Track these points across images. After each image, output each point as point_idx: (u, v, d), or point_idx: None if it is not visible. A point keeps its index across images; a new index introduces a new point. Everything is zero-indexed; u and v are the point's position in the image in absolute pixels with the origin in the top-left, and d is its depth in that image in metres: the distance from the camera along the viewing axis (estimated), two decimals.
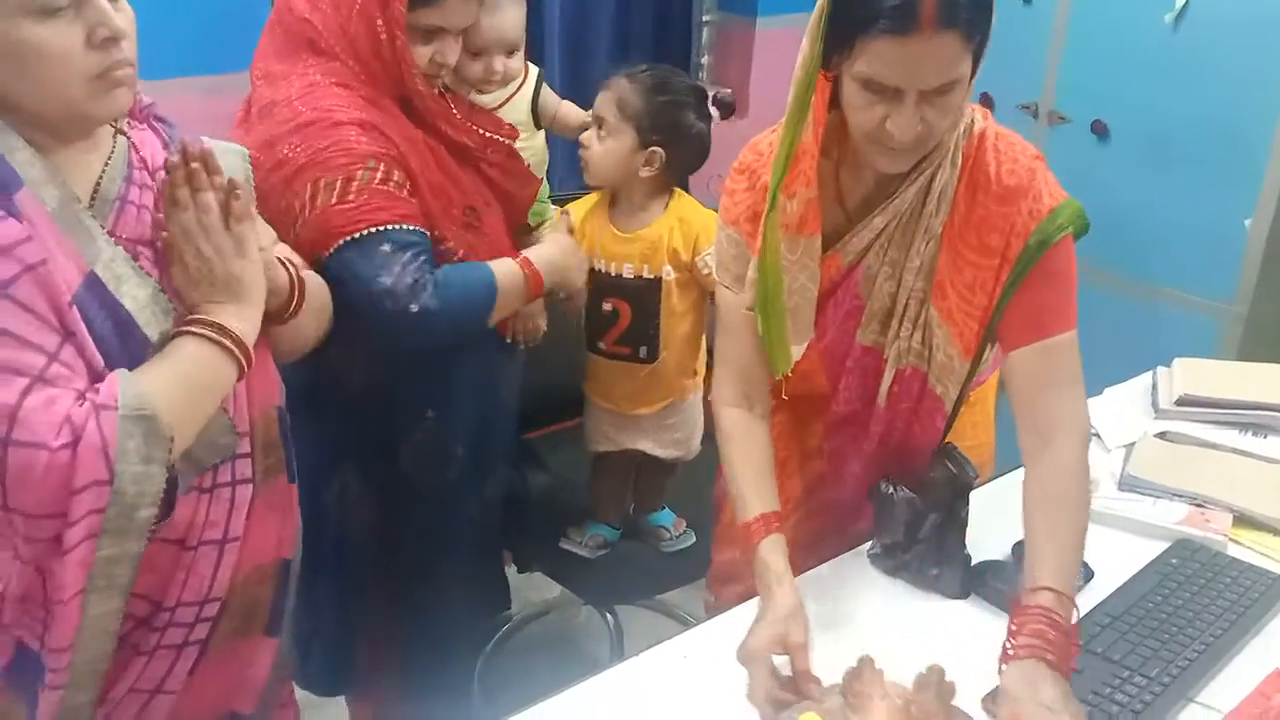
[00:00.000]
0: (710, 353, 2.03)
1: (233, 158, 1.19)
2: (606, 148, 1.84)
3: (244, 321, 1.11)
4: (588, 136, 1.87)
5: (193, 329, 1.07)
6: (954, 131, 1.28)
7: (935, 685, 1.11)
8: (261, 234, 1.19)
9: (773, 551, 1.31)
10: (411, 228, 1.49)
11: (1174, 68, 2.63)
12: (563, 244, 1.76)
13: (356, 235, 1.45)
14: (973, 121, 1.31)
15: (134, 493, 0.99)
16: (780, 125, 1.34)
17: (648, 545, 2.14)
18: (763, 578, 1.30)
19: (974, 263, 1.31)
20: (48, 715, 1.05)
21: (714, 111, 1.87)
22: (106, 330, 1.03)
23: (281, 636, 1.26)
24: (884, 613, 1.38)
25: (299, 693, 1.50)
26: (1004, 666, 1.15)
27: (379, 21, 1.47)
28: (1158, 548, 1.51)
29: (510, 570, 2.12)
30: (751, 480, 1.38)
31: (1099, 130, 2.81)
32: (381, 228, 1.46)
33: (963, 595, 1.41)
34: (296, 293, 1.24)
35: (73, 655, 1.02)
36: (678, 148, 1.83)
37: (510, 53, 1.81)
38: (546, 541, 2.09)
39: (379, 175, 1.47)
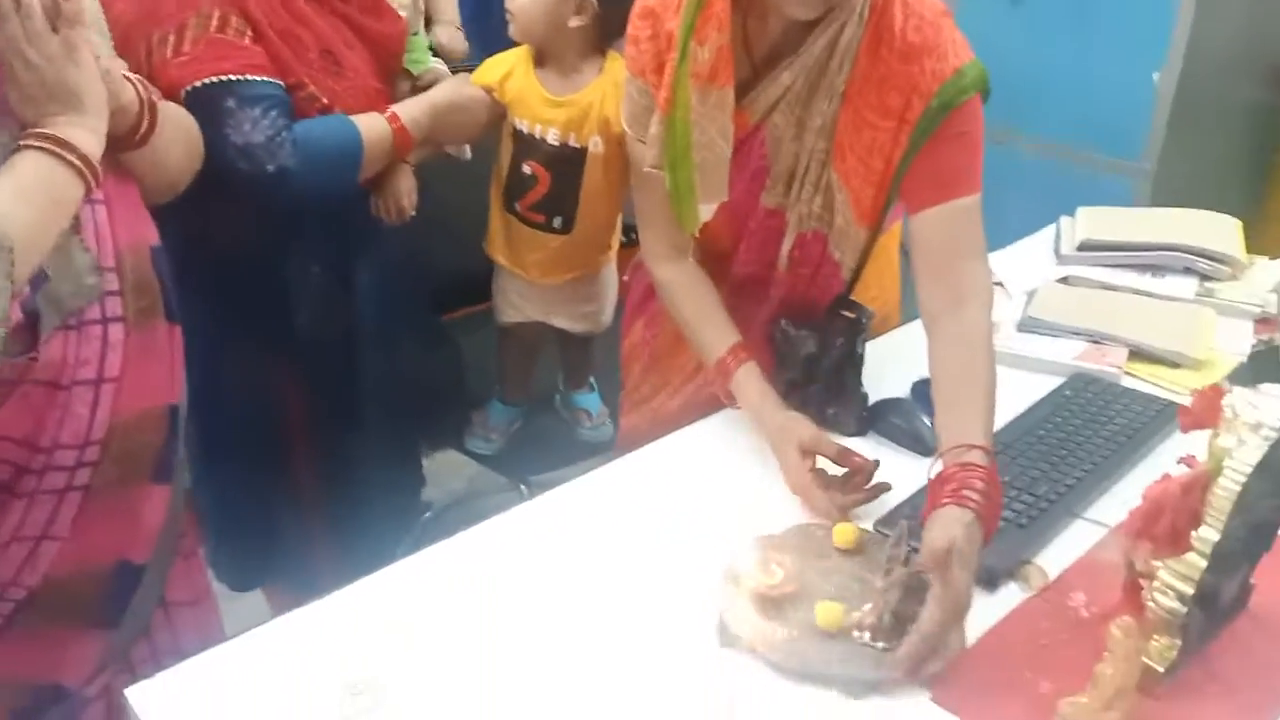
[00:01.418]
0: (625, 230, 1.98)
1: None
2: None
3: (85, 131, 1.05)
4: None
5: (30, 142, 1.03)
6: None
7: (897, 538, 1.09)
8: (100, 48, 1.12)
9: (749, 379, 1.34)
10: (260, 79, 1.40)
11: None
12: (457, 87, 1.66)
13: (196, 85, 1.36)
14: None
15: None
16: None
17: (561, 423, 2.12)
18: (752, 408, 1.34)
19: (873, 124, 1.27)
20: None
21: None
22: None
23: (173, 484, 1.23)
24: None
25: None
26: (935, 510, 1.09)
27: None
28: (1054, 383, 1.52)
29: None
30: (708, 321, 1.40)
31: None
32: (223, 78, 1.37)
33: (860, 433, 1.41)
34: (147, 111, 1.18)
35: None
36: None
37: None
38: (456, 420, 2.06)
39: (214, 23, 1.37)
